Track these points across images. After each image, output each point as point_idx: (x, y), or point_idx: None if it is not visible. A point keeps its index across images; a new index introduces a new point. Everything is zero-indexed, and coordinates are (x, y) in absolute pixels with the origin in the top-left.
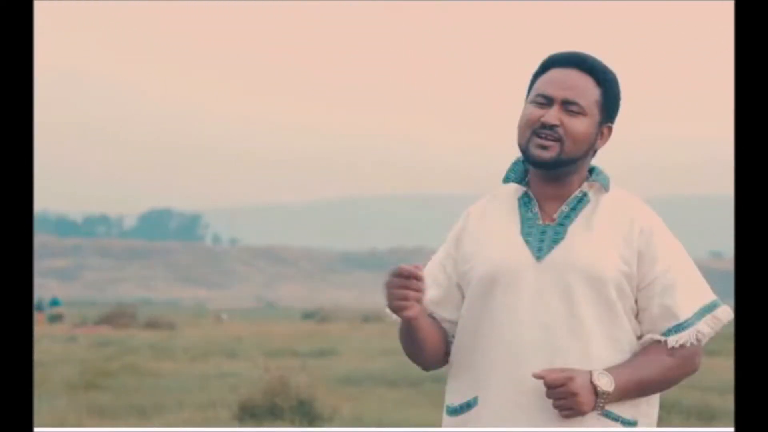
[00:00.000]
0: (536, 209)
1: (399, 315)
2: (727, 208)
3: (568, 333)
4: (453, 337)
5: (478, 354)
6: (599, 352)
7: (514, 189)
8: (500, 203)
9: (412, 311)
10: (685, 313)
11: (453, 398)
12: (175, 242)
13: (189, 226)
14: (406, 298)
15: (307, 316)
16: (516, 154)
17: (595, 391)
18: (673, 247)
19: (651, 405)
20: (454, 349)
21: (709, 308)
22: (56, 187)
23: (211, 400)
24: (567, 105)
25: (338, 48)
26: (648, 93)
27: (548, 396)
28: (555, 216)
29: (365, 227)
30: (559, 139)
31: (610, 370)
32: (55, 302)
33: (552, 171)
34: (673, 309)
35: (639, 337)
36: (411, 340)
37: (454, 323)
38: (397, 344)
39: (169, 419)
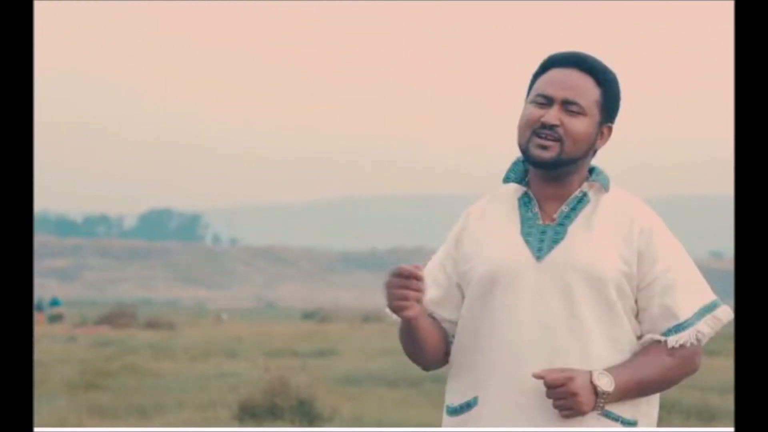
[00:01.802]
0: (536, 209)
1: (399, 315)
2: (727, 208)
3: (568, 333)
4: (453, 337)
5: (478, 354)
6: (599, 352)
7: (514, 189)
8: (500, 203)
9: (412, 311)
10: (685, 313)
11: (453, 398)
12: (175, 242)
13: (189, 226)
14: (406, 298)
15: (307, 316)
16: (516, 154)
17: (595, 391)
18: (673, 247)
19: (651, 405)
20: (454, 349)
21: (709, 308)
22: (56, 187)
23: (211, 400)
24: (567, 105)
25: (338, 48)
26: (648, 93)
27: (548, 396)
28: (555, 216)
29: (365, 227)
30: (559, 139)
31: (610, 370)
32: (55, 302)
33: (552, 171)
34: (673, 309)
35: (639, 337)
36: (411, 340)
37: (454, 323)
38: (397, 344)
39: (169, 419)
